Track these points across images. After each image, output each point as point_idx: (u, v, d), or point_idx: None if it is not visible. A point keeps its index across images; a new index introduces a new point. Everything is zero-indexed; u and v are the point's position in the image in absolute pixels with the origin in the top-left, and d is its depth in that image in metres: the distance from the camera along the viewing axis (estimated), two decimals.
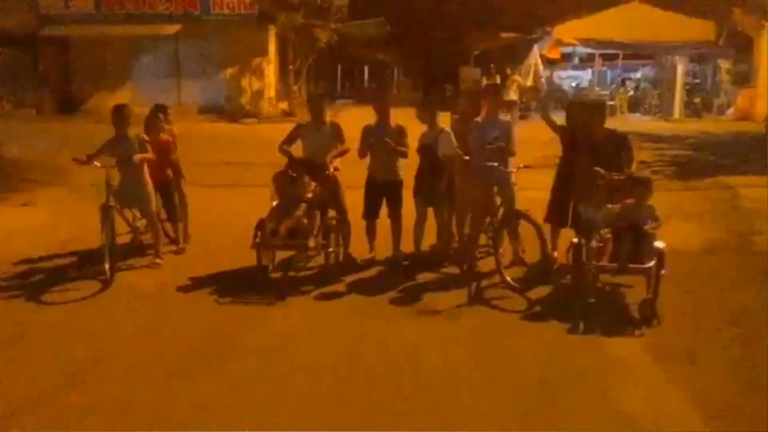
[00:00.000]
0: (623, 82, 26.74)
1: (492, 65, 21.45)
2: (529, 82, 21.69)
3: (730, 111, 22.90)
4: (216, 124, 22.08)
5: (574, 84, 28.28)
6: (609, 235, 5.92)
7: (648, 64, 27.58)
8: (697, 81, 25.62)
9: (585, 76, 28.73)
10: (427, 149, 6.98)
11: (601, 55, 24.74)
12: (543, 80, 22.66)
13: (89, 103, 24.43)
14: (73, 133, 18.17)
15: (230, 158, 14.35)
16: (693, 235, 8.17)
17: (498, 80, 19.18)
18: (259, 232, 6.43)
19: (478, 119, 6.97)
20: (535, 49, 22.71)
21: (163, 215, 7.60)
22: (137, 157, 6.84)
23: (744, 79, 23.06)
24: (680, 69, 22.38)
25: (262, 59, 24.22)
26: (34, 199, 10.47)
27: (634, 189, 6.00)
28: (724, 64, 24.12)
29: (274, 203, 6.75)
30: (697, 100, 23.35)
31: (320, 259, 6.92)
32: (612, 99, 24.55)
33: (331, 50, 26.36)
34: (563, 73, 28.55)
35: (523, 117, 21.20)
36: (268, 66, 24.39)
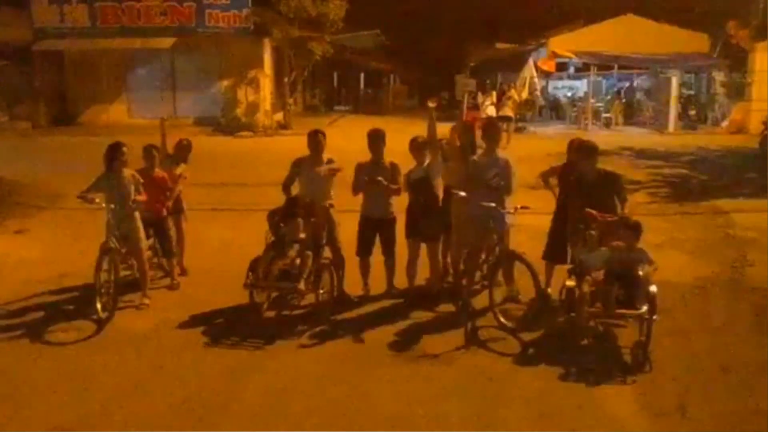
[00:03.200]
0: (618, 92, 26.81)
1: (488, 81, 21.44)
2: (525, 95, 21.72)
3: (725, 124, 22.97)
4: (211, 138, 22.01)
5: (569, 94, 28.38)
6: (601, 278, 5.96)
7: (643, 73, 27.66)
8: (692, 93, 25.68)
9: (580, 86, 28.80)
10: (417, 185, 6.99)
11: (595, 64, 24.79)
12: (538, 92, 22.70)
13: (84, 116, 24.50)
14: (68, 148, 18.21)
15: (226, 177, 14.33)
16: (686, 267, 8.20)
17: (494, 96, 19.17)
18: (251, 273, 6.43)
19: (475, 157, 6.98)
20: (531, 61, 22.77)
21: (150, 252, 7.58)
22: (138, 200, 6.85)
23: (738, 91, 23.13)
24: (675, 81, 22.44)
25: (258, 72, 24.19)
26: (28, 226, 10.39)
27: (624, 233, 6.02)
28: (719, 77, 24.18)
29: (269, 241, 6.75)
30: (692, 112, 23.42)
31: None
32: (608, 111, 24.68)
33: (326, 58, 26.36)
34: (558, 83, 28.65)
35: (518, 130, 21.29)
36: (264, 78, 24.37)
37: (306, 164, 7.11)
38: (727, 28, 22.95)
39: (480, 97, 19.85)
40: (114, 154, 6.86)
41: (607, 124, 24.10)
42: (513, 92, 20.83)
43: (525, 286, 6.72)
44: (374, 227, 7.10)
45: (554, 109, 27.28)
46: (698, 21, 23.90)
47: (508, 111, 19.00)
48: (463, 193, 6.92)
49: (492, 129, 7.10)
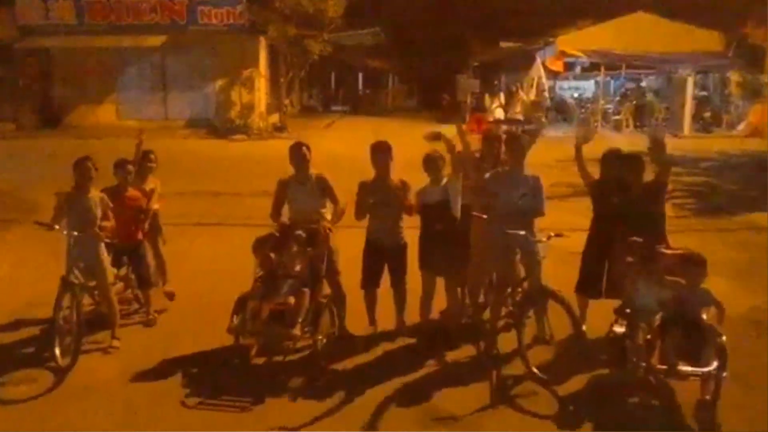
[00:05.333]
0: (627, 92, 25.84)
1: (496, 82, 20.45)
2: (533, 96, 20.73)
3: (741, 126, 22.00)
4: (203, 141, 21.10)
5: (576, 95, 27.41)
6: (657, 325, 4.97)
7: (652, 73, 26.67)
8: (704, 93, 24.66)
9: (588, 86, 27.84)
10: (433, 208, 5.97)
11: (606, 64, 23.76)
12: (546, 94, 21.72)
13: (71, 118, 23.53)
14: (52, 153, 17.14)
15: (216, 186, 13.32)
16: (733, 296, 7.11)
17: (503, 98, 18.18)
18: (236, 316, 5.42)
19: (500, 169, 6.00)
20: (538, 60, 21.77)
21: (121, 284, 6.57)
22: (106, 226, 5.85)
23: (755, 92, 22.14)
24: (690, 82, 21.45)
25: (252, 71, 23.26)
26: None
27: (686, 268, 5.04)
28: (734, 77, 23.19)
29: (258, 275, 5.75)
30: (707, 114, 22.41)
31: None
32: (617, 113, 23.71)
33: (324, 57, 25.39)
34: (565, 84, 27.66)
35: (525, 133, 20.27)
36: (259, 78, 23.41)
37: (291, 186, 6.10)
38: (742, 25, 21.95)
39: (487, 99, 18.86)
40: (80, 169, 5.85)
41: (617, 126, 23.09)
42: (522, 94, 19.83)
43: (555, 319, 5.71)
44: (382, 255, 6.10)
45: (560, 111, 26.26)
46: (712, 18, 22.88)
47: (517, 114, 18.02)
48: (484, 216, 5.97)
49: (516, 143, 6.08)
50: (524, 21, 28.14)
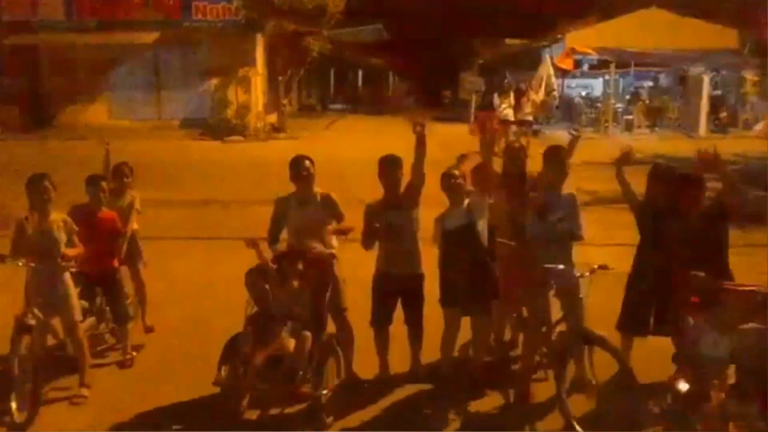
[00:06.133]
0: (638, 91, 24.99)
1: (506, 81, 19.55)
2: (541, 96, 19.86)
3: (759, 127, 21.13)
4: (198, 143, 20.22)
5: (584, 93, 26.57)
6: (728, 377, 4.12)
7: (662, 71, 25.81)
8: (718, 92, 23.79)
9: (596, 84, 27.00)
10: (456, 235, 5.09)
11: (618, 62, 22.86)
12: (556, 93, 20.87)
13: (61, 118, 22.64)
14: (39, 155, 16.25)
15: (208, 193, 12.43)
16: None
17: (512, 99, 17.31)
18: (224, 366, 4.56)
19: (534, 192, 5.15)
20: (547, 58, 20.89)
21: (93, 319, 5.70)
22: (70, 254, 4.99)
23: None
24: (706, 80, 20.59)
25: (249, 70, 22.37)
26: None
27: (762, 310, 4.18)
28: (750, 75, 22.34)
29: (250, 313, 4.89)
30: (723, 114, 21.53)
31: None
32: (629, 112, 22.87)
33: (323, 55, 24.52)
34: (572, 82, 26.80)
35: (533, 133, 19.44)
36: (256, 77, 22.53)
37: (291, 204, 5.24)
38: (758, 22, 21.07)
39: (496, 99, 17.98)
40: (35, 189, 4.99)
41: (628, 127, 22.23)
42: (533, 94, 18.96)
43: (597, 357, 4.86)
44: (395, 288, 5.23)
45: (567, 110, 25.40)
46: (727, 15, 22.02)
47: (527, 114, 17.15)
48: (512, 243, 5.13)
49: (558, 156, 5.21)
50: (530, 17, 27.27)
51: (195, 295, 7.24)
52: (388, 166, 5.16)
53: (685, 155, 16.99)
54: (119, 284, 5.71)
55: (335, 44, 23.99)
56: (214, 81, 22.58)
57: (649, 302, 5.14)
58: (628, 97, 24.51)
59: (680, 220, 4.99)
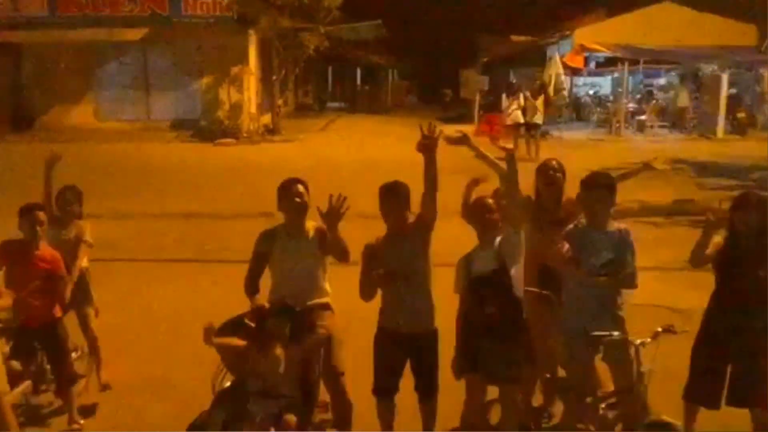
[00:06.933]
0: (651, 90, 23.95)
1: (515, 80, 18.50)
2: (551, 95, 18.84)
3: None
4: (186, 146, 19.17)
5: (592, 92, 25.57)
6: None
7: (673, 69, 24.75)
8: (733, 91, 22.75)
9: (604, 83, 26.00)
10: (483, 283, 4.01)
11: (630, 59, 21.84)
12: (565, 92, 19.85)
13: (44, 119, 21.63)
14: (19, 160, 15.14)
15: (193, 204, 11.35)
16: None
17: (523, 101, 16.24)
18: None
19: (572, 226, 4.10)
20: (556, 56, 19.89)
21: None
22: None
23: None
24: (724, 78, 19.57)
25: (242, 68, 21.34)
26: None
27: None
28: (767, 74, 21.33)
29: (220, 387, 3.85)
30: (740, 114, 20.47)
31: None
32: (641, 112, 21.87)
33: (320, 52, 23.45)
34: (580, 81, 25.77)
35: (542, 135, 18.39)
36: (249, 76, 21.48)
37: (278, 242, 4.19)
38: None
39: (504, 100, 16.93)
40: None
41: (641, 127, 21.17)
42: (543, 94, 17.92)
43: None
44: (402, 347, 4.15)
45: (575, 110, 24.37)
46: (745, 11, 21.01)
47: (537, 117, 16.09)
48: (544, 291, 4.12)
49: (600, 183, 4.14)
50: (535, 12, 26.24)
51: (166, 331, 6.17)
52: (391, 197, 4.08)
53: (708, 158, 16.08)
54: (62, 338, 4.63)
55: (332, 41, 22.90)
56: (206, 80, 21.66)
57: (723, 367, 4.09)
58: (638, 96, 23.47)
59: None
